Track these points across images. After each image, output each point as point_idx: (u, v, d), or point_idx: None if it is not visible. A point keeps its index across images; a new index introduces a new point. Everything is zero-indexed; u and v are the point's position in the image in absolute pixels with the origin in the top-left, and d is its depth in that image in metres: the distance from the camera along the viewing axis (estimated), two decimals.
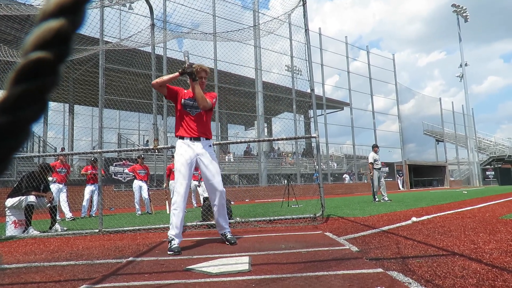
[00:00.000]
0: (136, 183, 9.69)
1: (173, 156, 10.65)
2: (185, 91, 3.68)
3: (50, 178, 8.59)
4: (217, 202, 3.56)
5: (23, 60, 0.34)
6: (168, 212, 9.98)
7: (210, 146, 3.63)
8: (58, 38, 0.34)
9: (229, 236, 3.58)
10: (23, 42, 0.35)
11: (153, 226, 5.34)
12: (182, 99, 3.59)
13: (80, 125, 21.46)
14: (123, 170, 14.64)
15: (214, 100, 3.65)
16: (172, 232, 3.33)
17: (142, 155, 10.80)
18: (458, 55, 38.66)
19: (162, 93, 3.63)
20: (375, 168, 10.12)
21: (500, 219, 4.64)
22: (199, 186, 10.31)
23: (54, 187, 8.55)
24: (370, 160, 10.28)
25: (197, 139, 3.55)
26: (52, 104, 20.76)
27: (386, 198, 9.99)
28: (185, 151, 3.50)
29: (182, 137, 3.56)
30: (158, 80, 3.50)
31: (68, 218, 8.48)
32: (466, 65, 38.14)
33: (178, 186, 3.40)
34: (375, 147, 10.62)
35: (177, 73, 3.46)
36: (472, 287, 1.75)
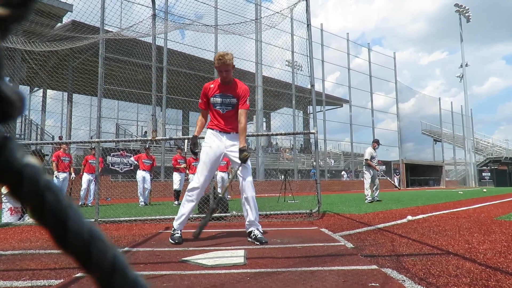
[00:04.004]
0: (140, 174, 9.61)
1: (178, 148, 10.65)
2: (211, 86, 3.46)
3: (55, 173, 8.61)
4: (250, 192, 3.37)
5: None
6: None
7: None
8: None
9: (259, 235, 3.25)
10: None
11: (149, 217, 5.35)
12: (210, 98, 3.42)
13: (79, 114, 21.39)
14: (121, 161, 14.63)
15: (247, 101, 3.43)
16: (179, 221, 3.32)
17: (148, 146, 10.77)
18: (460, 55, 38.60)
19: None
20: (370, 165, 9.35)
21: (495, 220, 4.66)
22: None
23: (60, 177, 8.61)
24: (367, 156, 9.42)
25: (227, 133, 3.42)
26: (50, 92, 20.68)
27: (369, 198, 9.03)
28: (213, 142, 3.38)
29: (211, 128, 3.45)
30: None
31: None
32: (466, 65, 38.15)
33: (199, 176, 3.30)
34: (373, 143, 9.74)
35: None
36: (465, 286, 1.76)
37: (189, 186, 3.36)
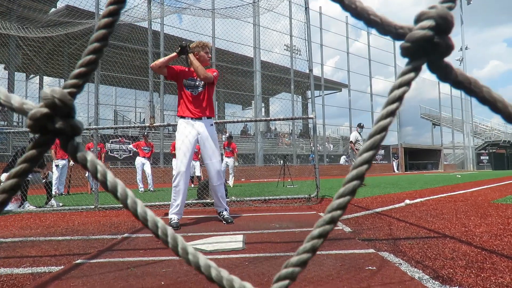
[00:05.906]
0: (139, 160, 9.67)
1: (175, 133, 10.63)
2: (187, 70, 3.61)
3: (55, 161, 8.59)
4: (215, 181, 3.58)
5: None
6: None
7: (211, 125, 3.63)
8: None
9: (226, 215, 3.61)
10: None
11: (149, 204, 5.38)
12: (184, 80, 3.54)
13: (76, 101, 20.55)
14: (120, 147, 14.63)
15: (215, 74, 3.61)
16: (173, 210, 3.39)
17: (146, 133, 10.76)
18: (460, 38, 38.21)
19: (162, 74, 3.57)
20: (356, 148, 9.30)
21: (492, 203, 4.70)
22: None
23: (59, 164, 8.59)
24: (352, 139, 9.49)
25: (198, 118, 3.54)
26: (47, 79, 20.47)
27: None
28: (187, 130, 3.49)
29: (183, 117, 3.54)
30: (156, 62, 3.45)
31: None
32: (466, 48, 37.80)
33: (179, 165, 3.41)
34: (357, 126, 9.86)
35: (174, 53, 3.45)
36: (461, 268, 1.78)
37: (174, 175, 3.50)
